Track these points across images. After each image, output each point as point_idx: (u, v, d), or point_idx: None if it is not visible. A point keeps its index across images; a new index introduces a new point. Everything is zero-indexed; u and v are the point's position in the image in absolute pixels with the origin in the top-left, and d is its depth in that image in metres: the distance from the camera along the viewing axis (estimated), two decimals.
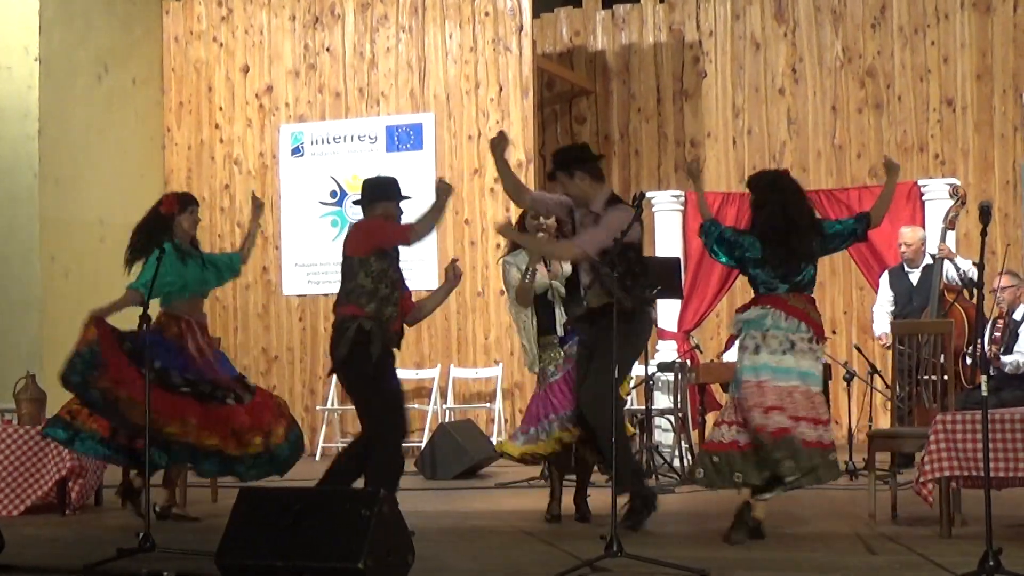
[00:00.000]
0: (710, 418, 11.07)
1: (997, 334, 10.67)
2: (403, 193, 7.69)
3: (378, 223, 7.60)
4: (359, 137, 14.47)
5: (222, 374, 8.45)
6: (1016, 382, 10.67)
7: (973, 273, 10.54)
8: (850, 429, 10.71)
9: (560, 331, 8.11)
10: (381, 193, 7.69)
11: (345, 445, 8.66)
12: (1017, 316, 10.83)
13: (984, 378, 5.95)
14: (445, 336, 13.99)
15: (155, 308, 8.19)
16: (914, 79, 14.17)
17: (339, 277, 7.66)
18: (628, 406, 12.98)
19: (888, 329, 10.91)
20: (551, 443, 7.97)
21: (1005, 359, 10.60)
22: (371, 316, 7.44)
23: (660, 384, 11.67)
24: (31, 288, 13.45)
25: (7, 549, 6.81)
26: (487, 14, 14.10)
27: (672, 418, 11.36)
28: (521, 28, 14.00)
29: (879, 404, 12.60)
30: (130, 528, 7.06)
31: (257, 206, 8.87)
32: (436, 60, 14.30)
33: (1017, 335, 10.72)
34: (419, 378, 14.11)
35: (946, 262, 10.71)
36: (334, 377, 13.91)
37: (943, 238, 10.82)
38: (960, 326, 10.39)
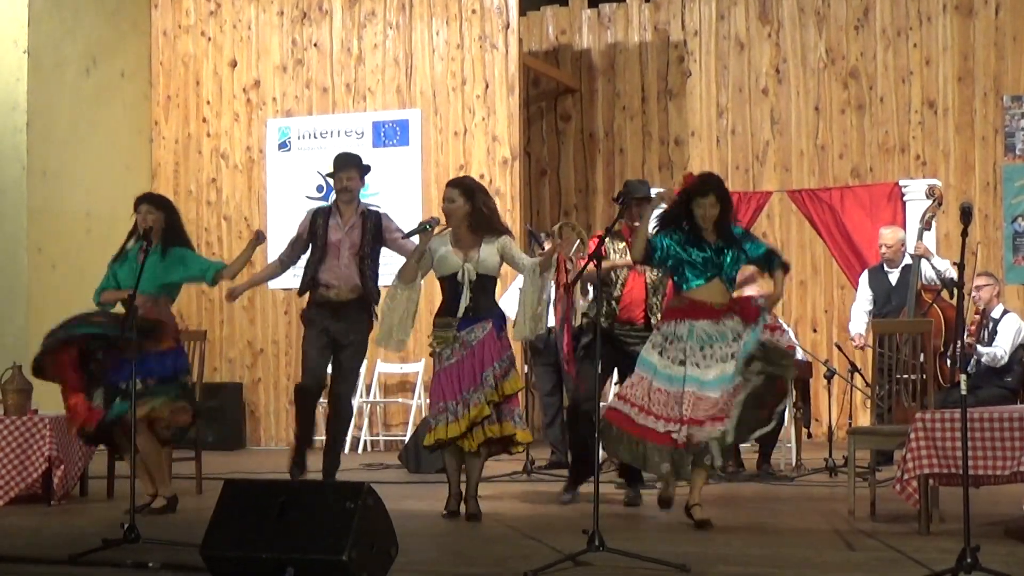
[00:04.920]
0: None
1: (972, 327, 10.83)
2: None
3: None
4: (346, 132, 14.51)
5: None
6: (993, 379, 10.79)
7: (951, 273, 10.65)
8: (830, 426, 10.79)
9: (461, 314, 8.06)
10: None
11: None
12: (995, 314, 10.95)
13: (963, 377, 6.01)
14: (429, 330, 13.99)
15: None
16: (896, 81, 14.27)
17: None
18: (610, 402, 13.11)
19: (863, 330, 11.03)
20: (448, 429, 8.00)
21: (982, 349, 10.73)
22: None
23: None
24: (18, 279, 13.48)
25: None
26: (474, 11, 14.16)
27: None
28: (507, 26, 14.06)
29: (859, 402, 12.71)
30: (115, 519, 7.09)
31: (257, 239, 8.73)
32: (423, 57, 14.35)
33: (996, 332, 10.84)
34: (403, 372, 14.17)
35: (923, 262, 10.81)
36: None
37: (920, 238, 10.92)
38: (938, 326, 10.49)
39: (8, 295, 13.46)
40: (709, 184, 7.62)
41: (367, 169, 9.31)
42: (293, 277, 14.35)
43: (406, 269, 8.15)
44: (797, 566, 6.29)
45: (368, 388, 14.10)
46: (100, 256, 13.84)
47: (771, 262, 7.73)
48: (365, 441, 13.95)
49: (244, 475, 9.70)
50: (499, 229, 8.14)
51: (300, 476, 9.09)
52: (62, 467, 9.06)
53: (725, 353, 7.38)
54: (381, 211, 9.37)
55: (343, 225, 9.09)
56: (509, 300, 10.15)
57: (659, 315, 8.56)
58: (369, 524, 5.74)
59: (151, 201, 8.81)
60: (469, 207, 8.07)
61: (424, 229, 8.08)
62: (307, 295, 9.29)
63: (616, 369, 8.88)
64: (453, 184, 8.25)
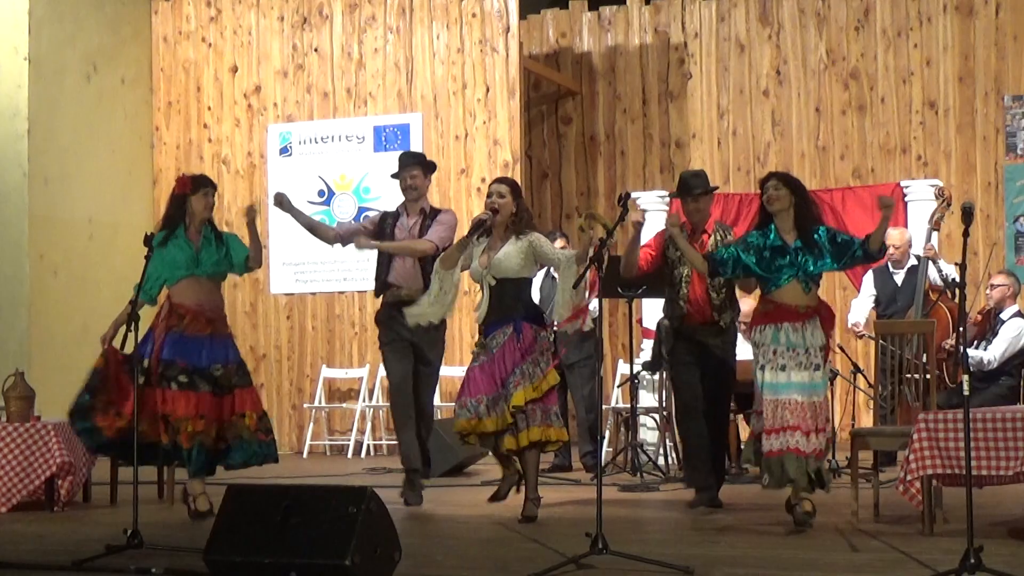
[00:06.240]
0: None
1: (971, 323, 10.83)
2: None
3: None
4: (347, 137, 14.52)
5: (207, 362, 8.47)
6: (994, 380, 10.77)
7: (955, 277, 10.63)
8: (833, 427, 10.79)
9: (483, 320, 8.09)
10: None
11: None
12: (1004, 316, 10.92)
13: (966, 377, 5.99)
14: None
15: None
16: (897, 81, 14.27)
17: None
18: (615, 404, 13.12)
19: (861, 319, 11.05)
20: (486, 423, 8.04)
21: (970, 352, 10.68)
22: None
23: (645, 383, 11.73)
24: (20, 286, 13.48)
25: None
26: (474, 15, 14.17)
27: (656, 416, 11.44)
28: (508, 29, 14.06)
29: (862, 403, 12.71)
30: (118, 525, 7.08)
31: (251, 215, 8.54)
32: (423, 61, 14.36)
33: (997, 332, 10.83)
34: None
35: (929, 264, 10.80)
36: (321, 375, 14.10)
37: (928, 239, 10.91)
38: (943, 325, 10.48)
39: (10, 302, 13.47)
40: (771, 173, 7.72)
41: (432, 167, 9.20)
42: (295, 281, 14.48)
43: (448, 255, 8.17)
44: (800, 568, 6.29)
45: (371, 392, 14.10)
46: (102, 262, 13.97)
47: (866, 242, 7.51)
48: (368, 445, 13.95)
49: (247, 480, 9.68)
50: (533, 228, 8.17)
51: (416, 504, 8.94)
52: (69, 477, 9.06)
53: (805, 361, 7.41)
54: (443, 209, 9.28)
55: (407, 225, 9.05)
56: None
57: (726, 315, 8.54)
58: (372, 528, 5.74)
59: (212, 184, 8.70)
60: (515, 206, 8.12)
61: (481, 224, 8.07)
62: (380, 298, 9.23)
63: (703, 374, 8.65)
64: (502, 181, 8.29)
